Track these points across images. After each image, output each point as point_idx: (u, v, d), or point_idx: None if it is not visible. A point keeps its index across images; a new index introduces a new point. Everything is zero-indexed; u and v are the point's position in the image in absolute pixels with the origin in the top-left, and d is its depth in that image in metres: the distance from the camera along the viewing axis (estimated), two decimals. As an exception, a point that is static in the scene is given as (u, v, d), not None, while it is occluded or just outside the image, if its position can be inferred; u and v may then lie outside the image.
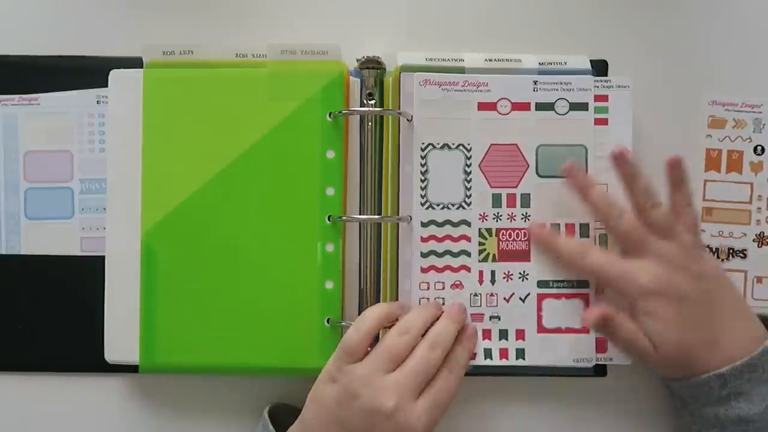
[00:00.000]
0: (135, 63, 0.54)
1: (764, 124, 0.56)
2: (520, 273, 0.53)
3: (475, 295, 0.53)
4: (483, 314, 0.53)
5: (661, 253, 0.49)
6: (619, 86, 0.54)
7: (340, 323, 0.52)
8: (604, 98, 0.54)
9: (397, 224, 0.53)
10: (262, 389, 0.56)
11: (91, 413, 0.56)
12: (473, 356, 0.52)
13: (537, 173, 0.53)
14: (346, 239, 0.53)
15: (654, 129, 0.55)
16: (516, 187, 0.53)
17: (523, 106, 0.53)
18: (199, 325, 0.52)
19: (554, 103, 0.53)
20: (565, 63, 0.54)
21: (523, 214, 0.53)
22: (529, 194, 0.53)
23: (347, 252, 0.53)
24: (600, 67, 0.55)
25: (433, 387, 0.48)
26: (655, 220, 0.50)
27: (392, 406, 0.46)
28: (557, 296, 0.53)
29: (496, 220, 0.53)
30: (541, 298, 0.53)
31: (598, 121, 0.54)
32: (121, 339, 0.53)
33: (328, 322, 0.52)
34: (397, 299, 0.53)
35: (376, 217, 0.53)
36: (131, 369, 0.53)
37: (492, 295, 0.53)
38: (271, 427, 0.50)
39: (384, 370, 0.48)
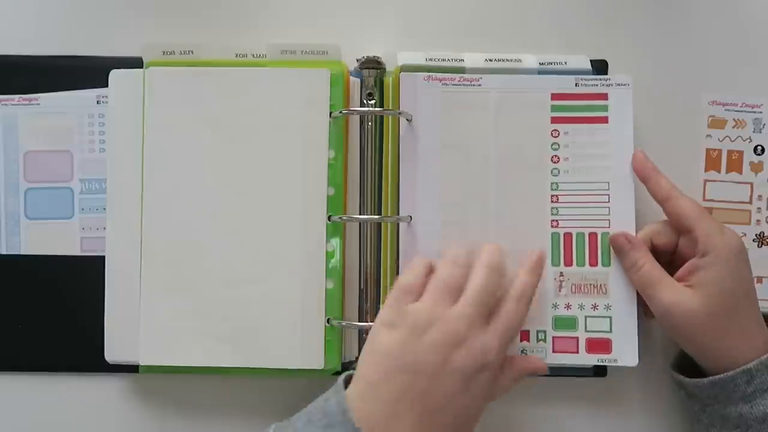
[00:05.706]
0: (135, 63, 0.54)
1: (764, 124, 0.56)
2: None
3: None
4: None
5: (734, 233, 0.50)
6: (618, 84, 0.53)
7: (341, 323, 0.52)
8: (604, 96, 0.54)
9: (397, 224, 0.53)
10: (262, 389, 0.56)
11: (91, 413, 0.56)
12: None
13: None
14: (346, 239, 0.53)
15: (654, 129, 0.55)
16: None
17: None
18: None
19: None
20: (565, 63, 0.54)
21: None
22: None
23: (347, 252, 0.53)
24: (600, 67, 0.55)
25: (500, 314, 0.47)
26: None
27: (464, 332, 0.45)
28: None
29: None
30: None
31: (598, 120, 0.54)
32: (121, 339, 0.53)
33: (328, 322, 0.52)
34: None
35: (376, 217, 0.53)
36: (131, 369, 0.53)
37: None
38: (344, 391, 0.45)
39: (448, 302, 0.46)
